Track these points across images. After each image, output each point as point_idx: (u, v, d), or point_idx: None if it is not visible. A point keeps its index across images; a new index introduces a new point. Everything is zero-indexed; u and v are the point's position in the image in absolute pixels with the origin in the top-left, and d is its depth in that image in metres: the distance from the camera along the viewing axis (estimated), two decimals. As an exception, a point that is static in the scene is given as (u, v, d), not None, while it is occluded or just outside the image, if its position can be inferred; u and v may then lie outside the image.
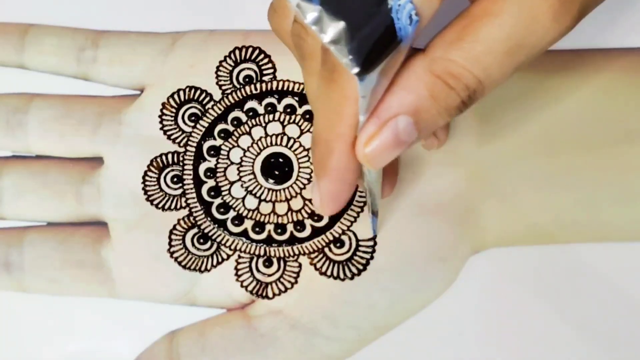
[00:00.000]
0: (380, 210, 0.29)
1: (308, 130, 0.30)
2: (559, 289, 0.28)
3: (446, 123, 0.22)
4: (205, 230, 0.29)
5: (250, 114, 0.30)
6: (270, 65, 0.31)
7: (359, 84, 0.19)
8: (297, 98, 0.30)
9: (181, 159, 0.30)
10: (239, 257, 0.29)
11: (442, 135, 0.28)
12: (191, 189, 0.30)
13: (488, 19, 0.20)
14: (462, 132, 0.29)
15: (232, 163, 0.30)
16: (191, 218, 0.29)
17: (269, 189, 0.29)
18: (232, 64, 0.31)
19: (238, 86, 0.31)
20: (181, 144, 0.30)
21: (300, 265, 0.28)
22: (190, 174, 0.30)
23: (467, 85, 0.21)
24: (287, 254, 0.29)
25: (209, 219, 0.29)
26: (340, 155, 0.22)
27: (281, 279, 0.28)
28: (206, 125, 0.30)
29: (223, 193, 0.29)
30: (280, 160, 0.30)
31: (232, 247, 0.29)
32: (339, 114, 0.21)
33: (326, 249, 0.29)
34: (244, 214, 0.29)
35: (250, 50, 0.31)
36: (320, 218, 0.29)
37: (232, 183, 0.30)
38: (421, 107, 0.21)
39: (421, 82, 0.20)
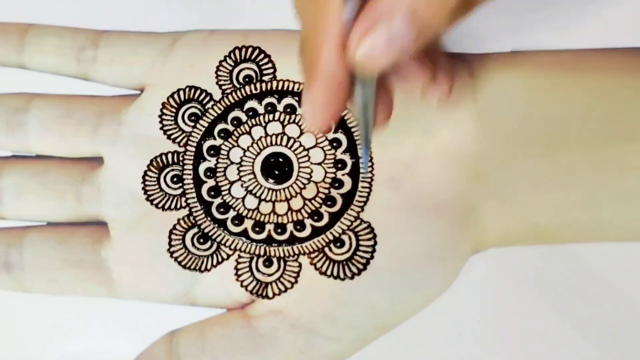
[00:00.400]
0: (379, 207, 0.29)
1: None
2: (558, 288, 0.28)
3: (445, 28, 0.21)
4: (205, 230, 0.29)
5: (250, 113, 0.30)
6: (270, 65, 0.31)
7: None
8: (297, 98, 0.30)
9: (181, 158, 0.30)
10: (239, 256, 0.29)
11: (444, 81, 0.27)
12: (191, 188, 0.30)
13: None
14: (462, 132, 0.29)
15: (232, 163, 0.30)
16: (191, 218, 0.29)
17: (268, 189, 0.29)
18: (232, 64, 0.31)
19: (238, 86, 0.31)
20: (181, 144, 0.30)
21: (300, 265, 0.28)
22: (190, 174, 0.30)
23: None
24: (287, 254, 0.29)
25: (209, 218, 0.29)
26: (330, 54, 0.21)
27: (281, 279, 0.28)
28: (206, 125, 0.30)
29: (223, 193, 0.29)
30: (280, 160, 0.30)
31: (232, 246, 0.29)
32: (325, 12, 0.20)
33: (326, 249, 0.29)
34: (244, 214, 0.29)
35: (250, 50, 0.31)
36: (320, 218, 0.29)
37: (232, 183, 0.30)
38: (416, 6, 0.20)
39: None
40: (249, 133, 0.30)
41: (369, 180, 0.28)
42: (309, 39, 0.22)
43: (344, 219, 0.29)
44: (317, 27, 0.21)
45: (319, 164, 0.30)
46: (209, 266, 0.29)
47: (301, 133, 0.30)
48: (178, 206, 0.29)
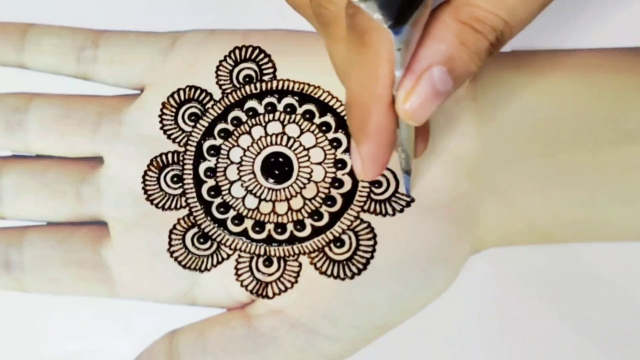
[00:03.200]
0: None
1: (308, 130, 0.30)
2: (558, 288, 0.28)
3: (479, 69, 0.22)
4: (205, 230, 0.29)
5: (250, 113, 0.30)
6: (270, 64, 0.31)
7: (394, 37, 0.19)
8: (297, 97, 0.30)
9: (181, 158, 0.30)
10: (239, 256, 0.29)
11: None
12: (191, 188, 0.30)
13: None
14: (462, 132, 0.29)
15: (232, 162, 0.30)
16: (191, 217, 0.29)
17: (269, 189, 0.29)
18: (232, 64, 0.31)
19: (238, 86, 0.31)
20: (181, 144, 0.30)
21: (300, 265, 0.28)
22: (190, 174, 0.30)
23: (493, 27, 0.21)
24: (287, 254, 0.29)
25: (209, 218, 0.29)
26: (379, 116, 0.23)
27: (281, 279, 0.28)
28: (206, 124, 0.30)
29: (223, 192, 0.29)
30: (280, 159, 0.30)
31: (232, 246, 0.29)
32: (374, 76, 0.21)
33: (326, 249, 0.29)
34: (244, 214, 0.29)
35: (250, 49, 0.31)
36: (320, 217, 0.29)
37: (232, 182, 0.30)
38: (453, 55, 0.21)
39: (449, 31, 0.21)
40: (249, 133, 0.30)
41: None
42: (356, 100, 0.23)
43: (344, 218, 0.29)
44: (366, 90, 0.22)
45: (319, 163, 0.30)
46: (209, 266, 0.29)
47: (301, 133, 0.30)
48: (178, 206, 0.29)
